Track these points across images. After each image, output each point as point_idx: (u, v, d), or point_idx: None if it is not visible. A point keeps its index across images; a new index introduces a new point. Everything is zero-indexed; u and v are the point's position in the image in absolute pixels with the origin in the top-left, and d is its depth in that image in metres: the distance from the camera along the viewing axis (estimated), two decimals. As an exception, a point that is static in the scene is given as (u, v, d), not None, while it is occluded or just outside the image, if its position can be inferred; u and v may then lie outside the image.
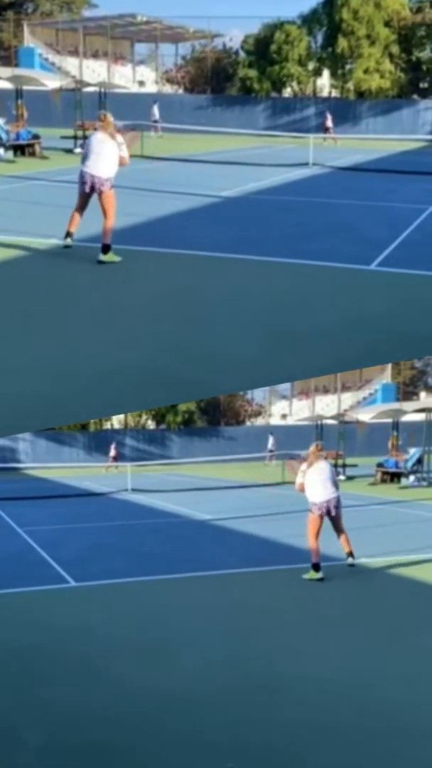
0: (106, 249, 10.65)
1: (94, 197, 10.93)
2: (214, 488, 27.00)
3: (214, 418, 47.13)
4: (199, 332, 8.18)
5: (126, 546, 13.90)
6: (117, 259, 10.62)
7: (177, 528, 16.67)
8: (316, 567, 10.40)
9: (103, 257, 10.61)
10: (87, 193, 10.94)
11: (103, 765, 5.23)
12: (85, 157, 10.99)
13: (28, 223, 13.19)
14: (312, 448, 11.10)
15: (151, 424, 46.62)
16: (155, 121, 37.58)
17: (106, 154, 10.83)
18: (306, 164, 25.30)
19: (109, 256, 10.64)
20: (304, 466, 11.03)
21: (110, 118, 11.25)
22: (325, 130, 39.17)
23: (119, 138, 11.05)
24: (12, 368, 7.24)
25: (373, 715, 5.93)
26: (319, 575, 10.31)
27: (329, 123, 39.87)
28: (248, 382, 7.40)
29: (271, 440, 40.33)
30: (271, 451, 38.91)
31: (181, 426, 45.46)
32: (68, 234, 11.27)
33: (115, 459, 38.18)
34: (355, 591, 10.10)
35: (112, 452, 39.05)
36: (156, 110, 38.93)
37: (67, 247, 11.22)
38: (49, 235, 11.77)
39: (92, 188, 10.86)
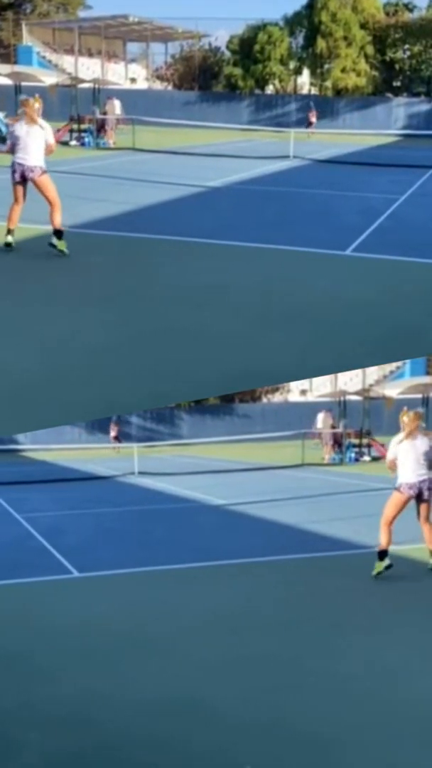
0: (59, 234, 9.90)
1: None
2: (228, 471, 23.45)
3: (228, 394, 37.69)
4: (187, 314, 7.84)
5: (132, 533, 12.40)
6: (65, 250, 9.83)
7: (187, 514, 14.79)
8: (381, 555, 8.52)
9: (56, 242, 9.87)
10: (19, 182, 10.11)
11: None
12: (13, 149, 10.03)
13: (26, 211, 12.93)
14: (411, 415, 8.54)
15: (159, 401, 40.95)
16: (115, 116, 31.78)
17: (32, 143, 9.99)
18: (287, 157, 25.12)
19: (61, 244, 9.87)
20: (398, 437, 8.64)
21: (34, 103, 10.11)
22: (309, 124, 38.81)
23: (43, 123, 10.09)
24: (11, 362, 6.72)
25: (400, 716, 5.23)
26: (386, 563, 8.52)
27: (313, 118, 39.66)
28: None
29: (322, 417, 29.77)
30: (333, 427, 28.64)
31: (192, 403, 37.88)
32: (9, 231, 10.17)
33: (117, 439, 32.92)
34: (382, 581, 8.64)
35: (113, 432, 33.39)
36: (117, 105, 32.66)
37: (8, 245, 10.08)
38: (45, 222, 11.50)
39: (23, 177, 10.04)
